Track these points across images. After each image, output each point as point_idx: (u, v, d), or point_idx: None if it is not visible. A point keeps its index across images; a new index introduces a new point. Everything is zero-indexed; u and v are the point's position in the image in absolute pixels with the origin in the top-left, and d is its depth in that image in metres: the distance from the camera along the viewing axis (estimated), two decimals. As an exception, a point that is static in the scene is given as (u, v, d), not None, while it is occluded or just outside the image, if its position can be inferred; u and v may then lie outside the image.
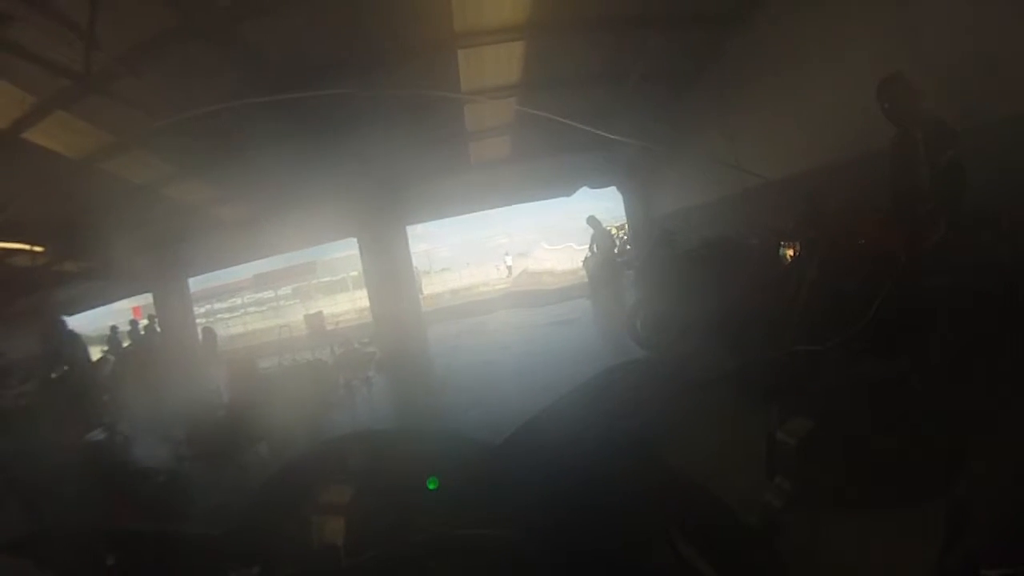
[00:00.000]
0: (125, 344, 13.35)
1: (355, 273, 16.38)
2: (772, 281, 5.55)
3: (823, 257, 4.72)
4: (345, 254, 16.15)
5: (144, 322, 13.62)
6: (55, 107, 7.14)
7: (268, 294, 21.59)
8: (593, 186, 11.65)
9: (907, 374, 3.92)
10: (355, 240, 12.14)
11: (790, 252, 5.51)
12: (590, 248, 10.28)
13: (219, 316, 18.33)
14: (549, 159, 9.77)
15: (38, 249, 12.10)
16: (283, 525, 2.96)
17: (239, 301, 21.28)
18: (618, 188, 11.66)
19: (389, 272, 11.38)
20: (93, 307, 17.31)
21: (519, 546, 2.72)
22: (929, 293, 4.13)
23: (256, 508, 3.21)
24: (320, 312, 13.97)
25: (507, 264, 20.01)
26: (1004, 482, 2.60)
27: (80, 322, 17.81)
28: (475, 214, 13.28)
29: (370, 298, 12.04)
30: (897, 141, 4.88)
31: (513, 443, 3.26)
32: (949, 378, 3.72)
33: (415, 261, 17.53)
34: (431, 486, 2.96)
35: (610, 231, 10.75)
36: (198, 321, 14.73)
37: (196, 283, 14.70)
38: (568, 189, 11.73)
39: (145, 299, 17.13)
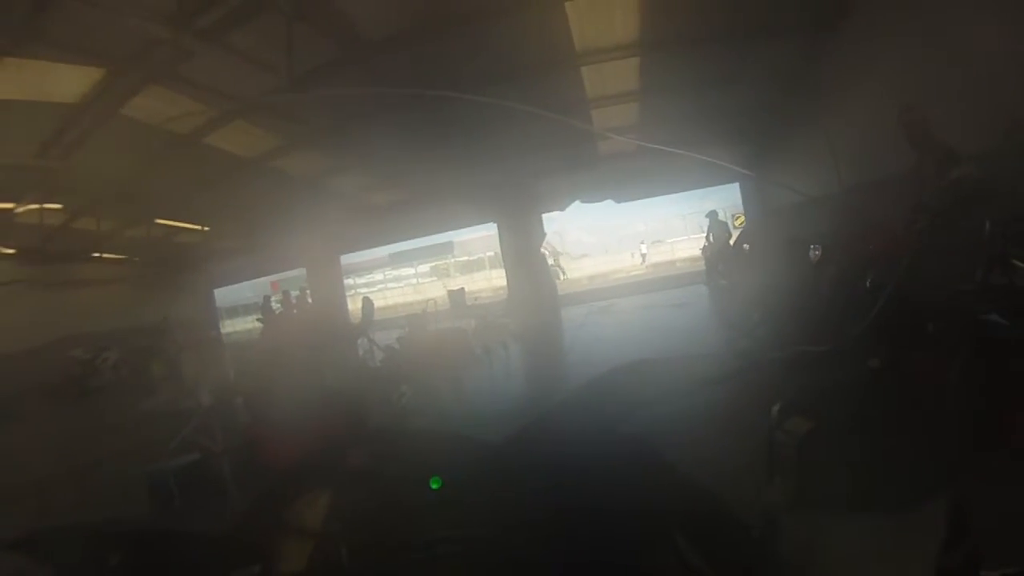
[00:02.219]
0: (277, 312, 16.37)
1: (491, 253, 18.44)
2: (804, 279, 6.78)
3: (837, 261, 5.97)
4: (481, 235, 17.96)
5: (296, 293, 16.28)
6: (235, 118, 9.60)
7: (407, 271, 24.15)
8: (714, 183, 13.06)
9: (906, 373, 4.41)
10: (493, 224, 14.23)
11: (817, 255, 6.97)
12: (706, 237, 12.08)
13: (358, 290, 20.59)
14: (674, 157, 11.18)
15: (205, 229, 15.60)
16: (284, 525, 3.23)
17: (378, 277, 23.82)
18: (740, 185, 13.07)
19: (525, 255, 13.41)
20: (243, 280, 20.95)
21: (520, 548, 2.94)
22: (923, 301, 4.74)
23: (257, 508, 3.53)
24: (462, 288, 16.11)
25: (642, 252, 21.85)
26: (1004, 482, 2.92)
27: (223, 294, 21.59)
28: (615, 204, 15.20)
29: (507, 278, 14.26)
30: (914, 164, 5.95)
31: (516, 444, 3.51)
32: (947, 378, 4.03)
33: (557, 246, 19.79)
34: (434, 486, 3.17)
35: (724, 222, 12.28)
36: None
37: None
38: (693, 184, 13.00)
39: (282, 275, 20.55)
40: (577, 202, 13.69)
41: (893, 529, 2.59)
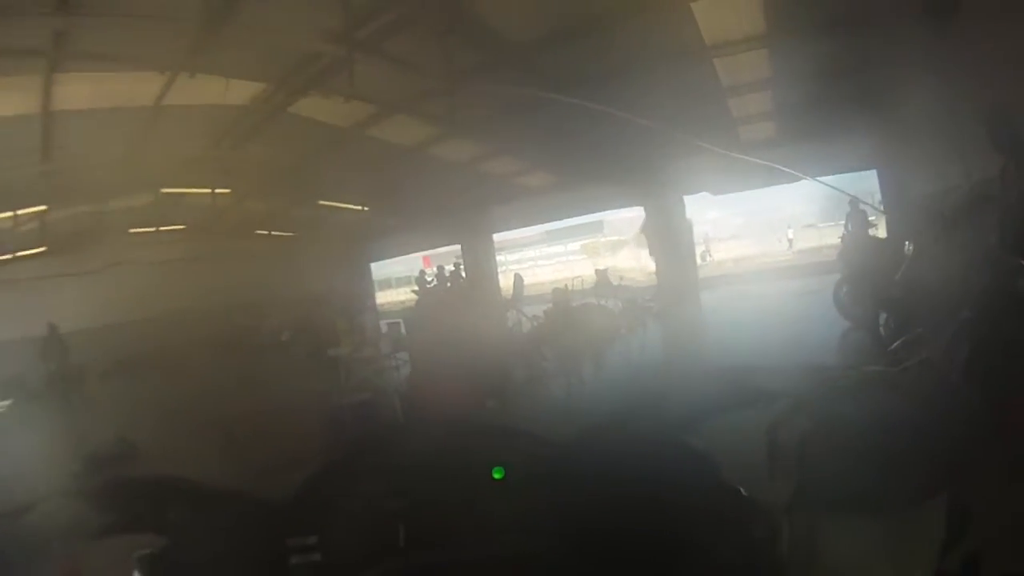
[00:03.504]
0: (430, 284, 18.27)
1: (640, 233, 19.55)
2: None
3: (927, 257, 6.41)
4: (632, 214, 18.91)
5: (451, 268, 18.14)
6: (394, 112, 11.55)
7: (557, 248, 25.54)
8: (851, 169, 12.53)
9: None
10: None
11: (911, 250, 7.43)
12: (845, 226, 12.31)
13: (509, 267, 22.11)
14: (813, 144, 11.40)
15: (365, 209, 17.68)
16: (344, 499, 3.27)
17: (530, 254, 25.35)
18: (878, 172, 12.63)
19: (670, 238, 14.28)
20: (398, 256, 23.29)
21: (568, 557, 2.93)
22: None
23: (318, 481, 3.51)
24: (607, 268, 17.11)
25: (788, 237, 22.29)
26: (1005, 482, 3.01)
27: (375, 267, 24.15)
28: (764, 189, 15.91)
29: (653, 260, 15.00)
30: (1001, 170, 6.02)
31: (580, 444, 3.49)
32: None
33: (708, 228, 20.76)
34: (496, 475, 3.18)
35: (864, 211, 12.31)
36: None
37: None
38: (824, 171, 11.81)
39: (433, 251, 22.59)
40: (703, 193, 14.56)
41: (893, 529, 2.69)
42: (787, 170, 8.21)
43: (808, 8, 9.28)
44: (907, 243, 8.60)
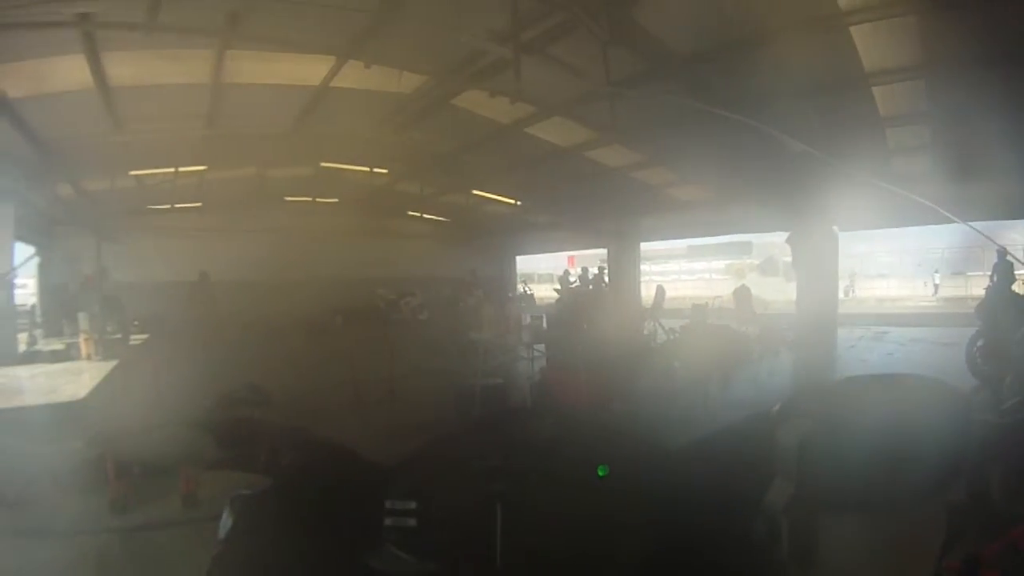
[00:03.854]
0: (572, 284, 18.90)
1: (787, 259, 19.22)
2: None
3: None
4: (781, 238, 18.81)
5: (594, 271, 18.73)
6: (552, 113, 11.80)
7: (701, 265, 25.96)
8: (1004, 216, 12.71)
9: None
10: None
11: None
12: (990, 277, 11.74)
13: (652, 277, 22.14)
14: (965, 186, 10.94)
15: (516, 203, 18.37)
16: (450, 472, 3.08)
17: (673, 267, 25.48)
18: None
19: (815, 270, 14.08)
20: (544, 252, 23.91)
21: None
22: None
23: (427, 453, 3.35)
24: (745, 285, 17.13)
25: (935, 282, 22.12)
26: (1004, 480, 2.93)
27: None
28: (917, 228, 15.36)
29: (797, 290, 14.77)
30: None
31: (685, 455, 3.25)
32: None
33: (853, 264, 20.31)
34: (601, 473, 3.01)
35: (1011, 262, 11.42)
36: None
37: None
38: (983, 214, 11.47)
39: (578, 253, 23.08)
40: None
41: (893, 529, 2.17)
42: (941, 210, 7.91)
43: (967, 42, 8.78)
44: None
